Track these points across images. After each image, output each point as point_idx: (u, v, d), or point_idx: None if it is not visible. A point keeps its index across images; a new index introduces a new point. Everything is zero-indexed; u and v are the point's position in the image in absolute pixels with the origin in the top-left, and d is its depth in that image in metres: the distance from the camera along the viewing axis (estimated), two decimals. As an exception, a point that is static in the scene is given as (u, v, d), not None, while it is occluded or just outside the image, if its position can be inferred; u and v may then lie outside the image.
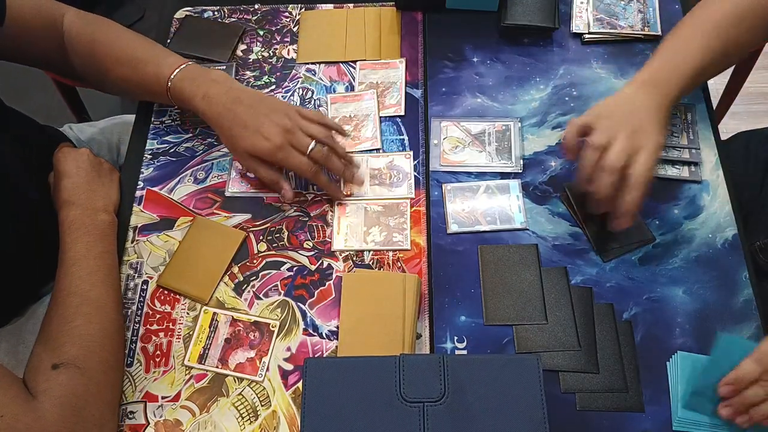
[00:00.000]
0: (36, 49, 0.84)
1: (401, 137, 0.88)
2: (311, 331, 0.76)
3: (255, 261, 0.80)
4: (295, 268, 0.80)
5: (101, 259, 0.75)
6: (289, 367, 0.74)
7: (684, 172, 0.83)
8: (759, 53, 1.35)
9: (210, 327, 0.76)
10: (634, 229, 0.78)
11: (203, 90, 0.79)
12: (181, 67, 0.81)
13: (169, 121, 0.92)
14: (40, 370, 0.66)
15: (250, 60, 0.96)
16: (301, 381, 0.71)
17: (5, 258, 0.76)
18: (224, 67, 0.94)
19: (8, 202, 0.77)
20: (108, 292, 0.73)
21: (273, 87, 0.94)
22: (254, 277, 0.79)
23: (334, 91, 0.93)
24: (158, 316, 0.77)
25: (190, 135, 0.90)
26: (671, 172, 0.83)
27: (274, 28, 0.99)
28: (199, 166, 0.88)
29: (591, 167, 0.73)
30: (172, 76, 0.81)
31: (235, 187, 0.86)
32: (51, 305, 0.71)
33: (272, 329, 0.76)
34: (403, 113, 0.90)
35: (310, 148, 0.79)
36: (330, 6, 1.00)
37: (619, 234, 0.78)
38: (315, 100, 0.92)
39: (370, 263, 0.79)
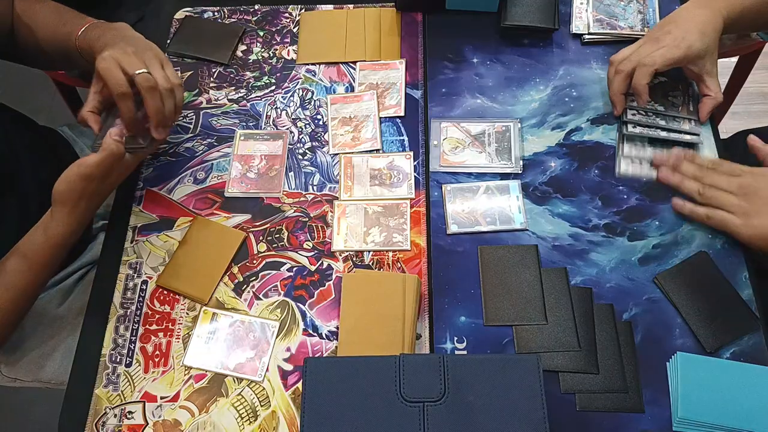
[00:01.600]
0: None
1: (401, 138, 0.88)
2: (311, 332, 0.76)
3: (255, 261, 0.80)
4: (294, 269, 0.80)
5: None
6: (288, 367, 0.74)
7: (684, 173, 0.83)
8: (759, 53, 1.35)
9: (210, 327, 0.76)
10: (738, 319, 0.73)
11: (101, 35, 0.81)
12: (86, 26, 0.82)
13: (169, 121, 0.92)
14: None
15: (250, 61, 0.96)
16: (300, 381, 0.71)
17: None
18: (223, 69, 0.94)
19: (8, 201, 0.77)
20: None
21: (273, 87, 0.94)
22: (254, 278, 0.79)
23: (334, 92, 0.93)
24: (157, 316, 0.77)
25: (190, 135, 0.90)
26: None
27: (274, 29, 0.99)
28: (199, 167, 0.88)
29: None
30: (79, 33, 0.82)
31: (235, 188, 0.86)
32: None
33: (272, 329, 0.76)
34: (403, 114, 0.90)
35: (138, 71, 0.74)
36: (330, 7, 1.00)
37: (722, 323, 0.73)
38: (315, 100, 0.92)
39: (370, 264, 0.79)
